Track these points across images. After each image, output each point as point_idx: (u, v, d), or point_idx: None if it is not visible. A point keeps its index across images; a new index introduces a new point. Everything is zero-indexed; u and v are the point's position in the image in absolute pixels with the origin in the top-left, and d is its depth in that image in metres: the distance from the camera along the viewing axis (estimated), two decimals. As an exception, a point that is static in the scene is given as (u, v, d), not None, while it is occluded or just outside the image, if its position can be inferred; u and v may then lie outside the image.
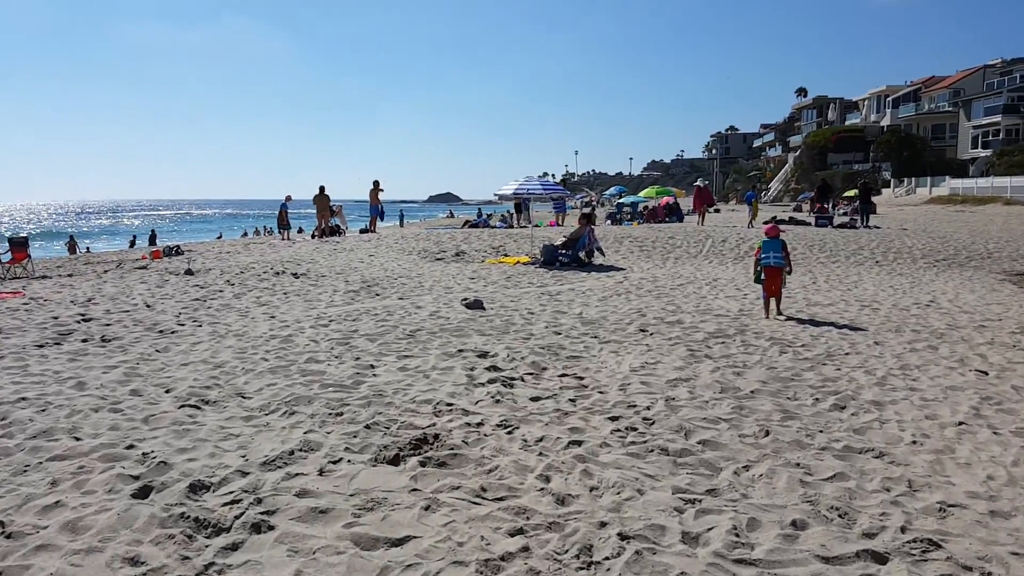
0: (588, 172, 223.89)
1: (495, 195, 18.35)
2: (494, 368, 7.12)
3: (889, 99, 78.54)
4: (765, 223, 32.17)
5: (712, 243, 21.82)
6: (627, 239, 22.22)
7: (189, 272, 14.42)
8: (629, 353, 8.20)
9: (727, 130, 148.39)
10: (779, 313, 11.20)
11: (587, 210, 21.54)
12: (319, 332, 8.75)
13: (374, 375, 6.81)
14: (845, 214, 37.87)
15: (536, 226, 29.25)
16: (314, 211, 26.35)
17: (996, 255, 20.71)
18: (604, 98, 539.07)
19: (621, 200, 41.57)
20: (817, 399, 6.58)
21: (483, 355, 7.73)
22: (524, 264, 17.56)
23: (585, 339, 8.95)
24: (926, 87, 74.79)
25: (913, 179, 62.86)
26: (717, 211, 54.04)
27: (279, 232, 28.12)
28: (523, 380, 6.78)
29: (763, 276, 11.03)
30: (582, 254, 17.98)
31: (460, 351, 7.85)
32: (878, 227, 28.49)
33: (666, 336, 9.23)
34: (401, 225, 47.33)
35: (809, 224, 28.74)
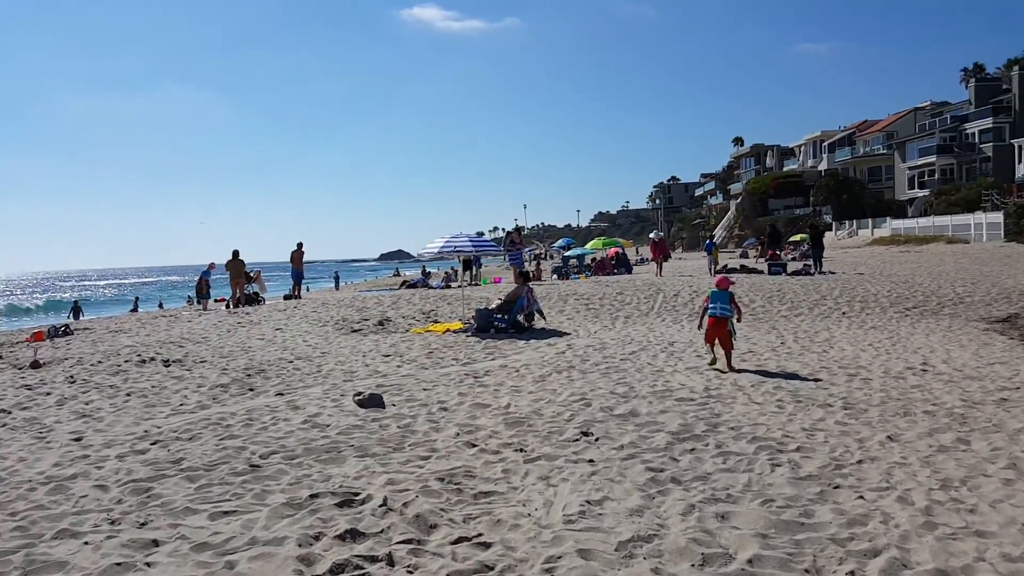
0: (537, 225, 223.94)
1: (418, 255, 15.88)
2: (351, 536, 4.48)
3: (825, 144, 78.83)
4: (717, 271, 30.51)
5: (664, 298, 19.57)
6: (572, 296, 19.84)
7: (35, 365, 11.53)
8: (565, 480, 5.65)
9: (669, 180, 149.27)
10: (729, 367, 10.57)
11: (527, 267, 19.09)
12: (123, 465, 6.00)
13: (146, 563, 4.11)
14: (794, 259, 36.26)
15: (477, 284, 26.80)
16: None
17: (967, 300, 18.81)
18: (550, 152, 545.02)
19: (567, 253, 39.46)
20: (852, 573, 4.09)
21: (346, 502, 5.09)
22: (455, 332, 15.00)
23: (506, 454, 6.37)
24: (860, 131, 75.22)
25: (855, 221, 62.34)
26: (666, 259, 52.34)
27: (198, 302, 25.16)
28: (390, 564, 4.15)
29: (706, 325, 10.81)
30: (520, 317, 15.50)
31: (313, 496, 5.18)
32: (833, 272, 26.66)
33: (616, 443, 6.71)
34: (336, 288, 44.51)
35: (762, 272, 26.81)
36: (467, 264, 27.92)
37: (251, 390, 9.33)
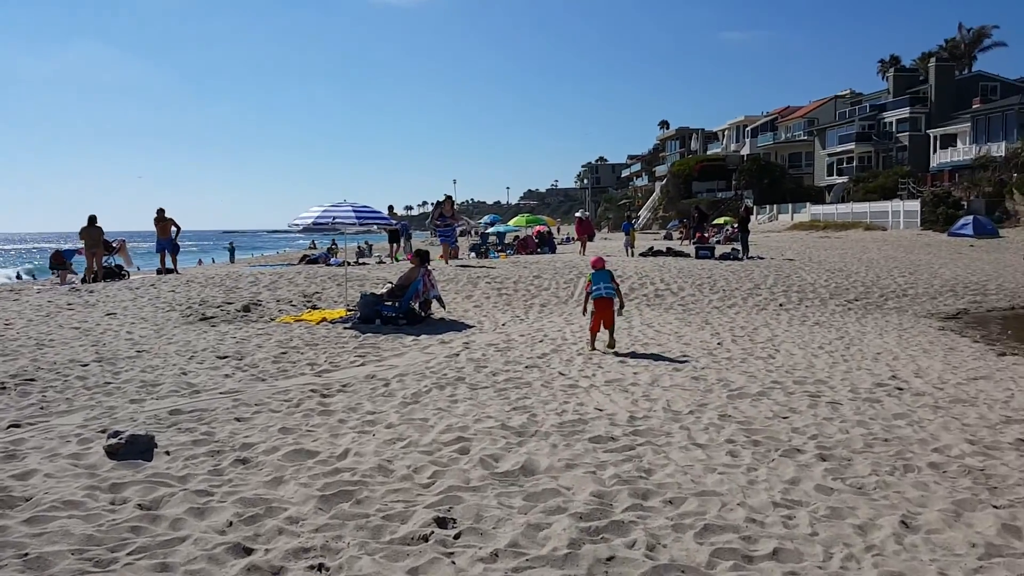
0: (467, 201, 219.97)
1: (288, 225, 12.78)
2: None
3: (748, 129, 77.84)
4: (641, 254, 28.23)
5: (584, 284, 16.99)
6: (484, 279, 17.09)
7: None
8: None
9: (597, 160, 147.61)
10: (611, 347, 9.95)
11: (407, 246, 16.20)
12: None
13: None
14: (719, 242, 34.37)
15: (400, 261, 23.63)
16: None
17: (910, 292, 16.88)
18: (481, 128, 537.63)
19: (486, 230, 36.50)
20: None
21: None
22: (332, 322, 12.06)
23: None
24: (782, 117, 74.40)
25: (775, 206, 61.39)
26: (591, 239, 50.14)
27: (54, 274, 21.36)
28: None
29: (592, 309, 10.13)
30: (415, 305, 12.67)
31: None
32: (762, 257, 24.66)
33: (488, 545, 4.00)
34: (231, 261, 40.61)
35: (689, 256, 24.60)
36: (393, 236, 24.56)
37: (-25, 421, 6.24)
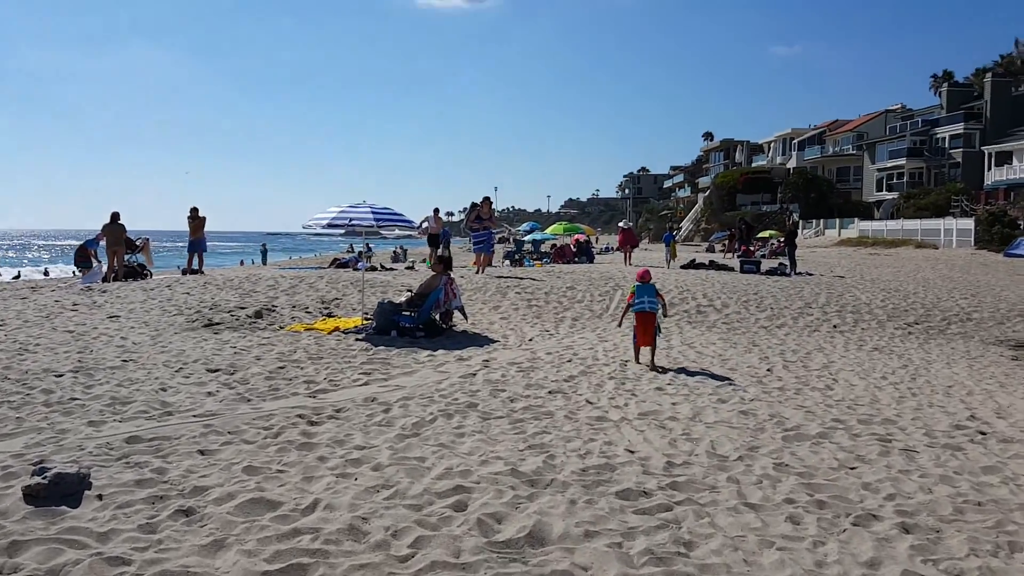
0: (508, 208, 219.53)
1: (303, 226, 11.86)
2: None
3: (794, 142, 75.71)
4: (683, 266, 26.89)
5: (622, 295, 15.82)
6: (514, 289, 16.01)
7: None
8: None
9: (639, 171, 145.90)
10: (653, 366, 9.33)
11: (444, 252, 15.18)
12: None
13: None
14: (764, 256, 32.81)
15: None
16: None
17: (975, 316, 15.34)
18: (523, 136, 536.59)
19: (522, 238, 35.38)
20: None
21: None
22: (345, 332, 11.10)
23: None
24: (830, 131, 72.16)
25: (822, 220, 59.28)
26: (634, 248, 48.84)
27: (79, 271, 20.82)
28: None
29: (635, 322, 9.65)
30: (435, 316, 11.65)
31: None
32: (811, 274, 23.18)
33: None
34: (264, 263, 40.16)
35: (733, 270, 23.22)
36: (433, 241, 23.44)
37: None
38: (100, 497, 4.44)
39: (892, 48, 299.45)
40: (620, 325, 9.96)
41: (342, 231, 11.73)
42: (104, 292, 14.53)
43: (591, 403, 7.40)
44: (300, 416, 6.45)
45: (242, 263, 44.37)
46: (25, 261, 56.61)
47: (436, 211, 23.71)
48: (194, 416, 6.37)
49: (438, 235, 23.57)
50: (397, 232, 13.04)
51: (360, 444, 5.71)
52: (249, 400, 7.00)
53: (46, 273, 33.53)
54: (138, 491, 4.60)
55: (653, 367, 9.28)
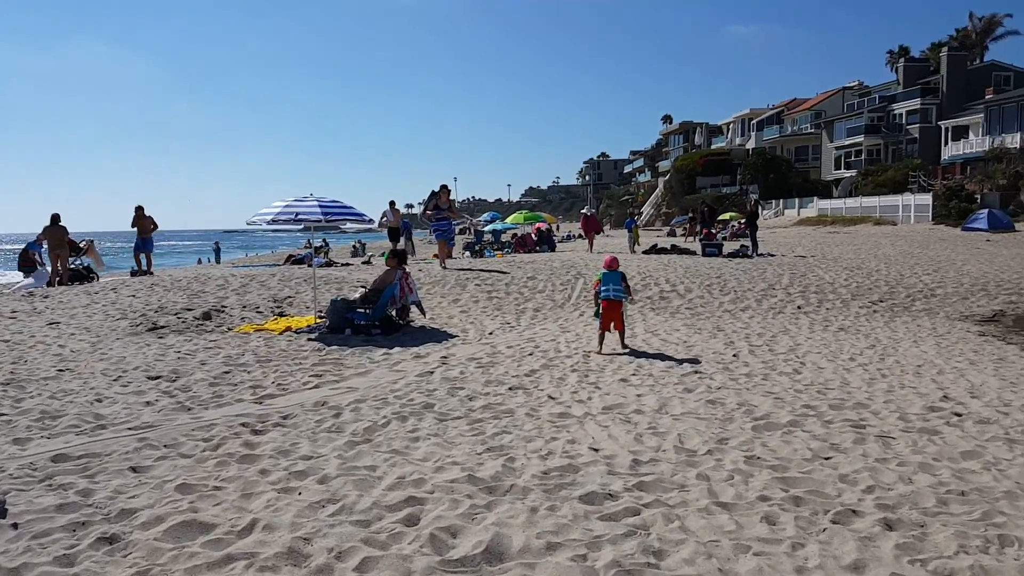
0: (468, 199, 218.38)
1: (247, 222, 11.35)
2: None
3: (753, 122, 76.26)
4: (644, 252, 26.79)
5: (584, 283, 15.59)
6: (474, 281, 15.67)
7: None
8: None
9: (599, 157, 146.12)
10: (623, 347, 9.68)
11: (406, 245, 14.75)
12: None
13: None
14: (726, 238, 32.90)
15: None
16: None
17: (939, 292, 15.40)
18: (481, 125, 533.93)
19: (481, 228, 34.96)
20: None
21: None
22: (297, 331, 10.67)
23: None
24: (788, 109, 72.76)
25: (781, 201, 59.82)
26: (598, 233, 48.76)
27: (25, 277, 19.94)
28: None
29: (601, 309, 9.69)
30: (392, 312, 11.27)
31: None
32: (772, 255, 23.23)
33: None
34: (217, 261, 39.25)
35: (696, 254, 23.17)
36: (393, 235, 22.84)
37: None
38: (15, 526, 4.04)
39: (849, 24, 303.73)
40: (597, 315, 9.86)
41: (298, 227, 11.23)
42: (46, 297, 13.86)
43: (553, 398, 7.12)
44: (243, 425, 6.06)
45: (200, 261, 43.34)
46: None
47: (392, 204, 23.21)
48: (129, 429, 5.94)
49: (397, 228, 23.05)
50: (350, 225, 12.56)
51: (306, 454, 5.35)
52: (190, 409, 6.58)
53: None
54: (59, 517, 4.20)
55: (624, 348, 9.61)
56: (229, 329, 10.96)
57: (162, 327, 10.86)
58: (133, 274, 19.30)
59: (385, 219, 22.82)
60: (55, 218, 17.34)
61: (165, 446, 5.50)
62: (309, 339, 10.17)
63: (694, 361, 9.02)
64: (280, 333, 10.56)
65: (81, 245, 19.13)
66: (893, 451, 5.70)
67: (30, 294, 14.50)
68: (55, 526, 4.08)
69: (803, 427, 6.29)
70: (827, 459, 5.51)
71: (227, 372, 8.03)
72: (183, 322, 11.34)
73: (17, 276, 19.17)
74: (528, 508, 4.36)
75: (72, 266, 18.21)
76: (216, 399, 6.94)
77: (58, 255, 17.25)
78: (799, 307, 13.87)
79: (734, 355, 9.49)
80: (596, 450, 5.55)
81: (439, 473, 4.96)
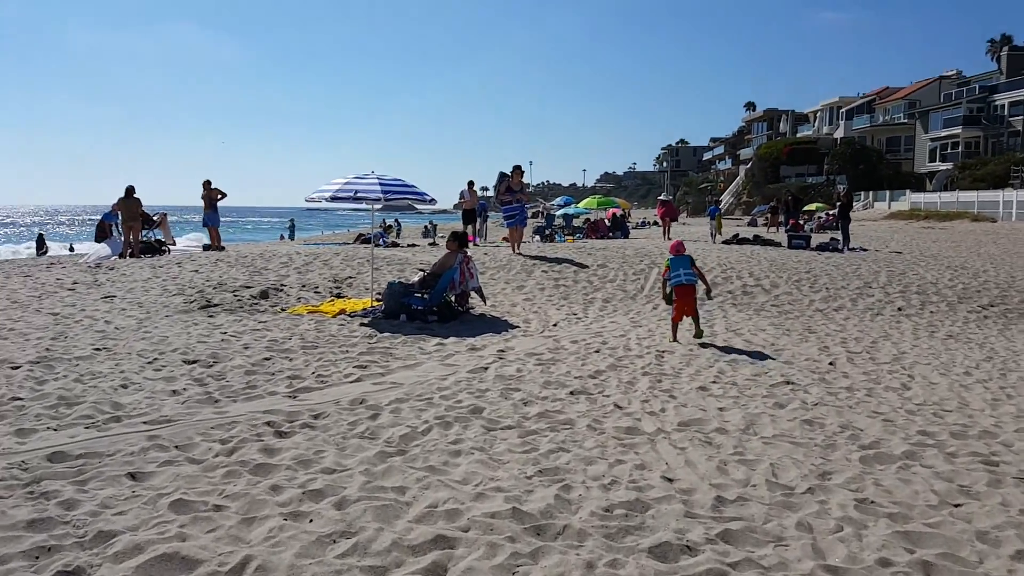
0: (543, 183, 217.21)
1: (306, 199, 10.69)
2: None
3: (842, 111, 72.50)
4: (725, 242, 25.25)
5: (658, 273, 14.46)
6: (541, 267, 14.75)
7: None
8: None
9: (678, 143, 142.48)
10: (698, 336, 9.09)
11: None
12: None
13: None
14: (812, 231, 30.93)
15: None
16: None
17: (1058, 297, 13.65)
18: (557, 109, 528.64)
19: (553, 212, 33.82)
20: None
21: None
22: (351, 315, 9.99)
23: None
24: (880, 99, 68.81)
25: (871, 193, 56.57)
26: (674, 220, 47.12)
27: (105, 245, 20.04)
28: None
29: (674, 296, 9.21)
30: (451, 297, 10.47)
31: None
32: (865, 249, 21.45)
33: None
34: (291, 238, 39.28)
35: (780, 245, 21.59)
36: (468, 217, 21.98)
37: None
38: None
39: (946, 12, 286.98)
40: (668, 301, 9.42)
41: (359, 204, 10.53)
42: (110, 270, 13.65)
43: (620, 408, 6.15)
44: (269, 424, 5.33)
45: (282, 238, 43.63)
46: (56, 236, 55.46)
47: (471, 184, 22.19)
48: (144, 423, 5.29)
49: (473, 210, 22.08)
50: (421, 206, 11.70)
51: (330, 466, 4.55)
52: (217, 401, 5.89)
53: (71, 249, 32.90)
54: (25, 537, 3.51)
55: (699, 334, 9.13)
56: (283, 310, 10.36)
57: (215, 305, 10.34)
58: (206, 248, 19.13)
59: (463, 199, 22.07)
60: (130, 190, 17.23)
61: (176, 447, 4.80)
62: (362, 324, 9.45)
63: (784, 368, 7.89)
64: (334, 316, 9.90)
65: (154, 218, 19.09)
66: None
67: (98, 265, 14.36)
68: (14, 551, 3.38)
69: (922, 460, 5.16)
70: (957, 506, 4.41)
71: (268, 359, 7.36)
72: (239, 300, 10.81)
73: (95, 248, 19.21)
74: (583, 563, 3.43)
75: (144, 239, 18.13)
76: (248, 390, 6.23)
77: (131, 227, 17.15)
78: (899, 309, 12.43)
79: (831, 363, 8.29)
80: (670, 480, 4.58)
81: (479, 502, 4.08)
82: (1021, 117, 53.85)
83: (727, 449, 5.21)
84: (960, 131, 56.54)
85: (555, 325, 10.11)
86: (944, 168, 56.69)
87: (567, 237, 26.74)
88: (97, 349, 7.60)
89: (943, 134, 58.20)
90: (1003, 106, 55.57)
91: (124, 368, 6.84)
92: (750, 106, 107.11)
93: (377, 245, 20.18)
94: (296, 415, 5.57)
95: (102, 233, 19.30)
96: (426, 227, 36.51)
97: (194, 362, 7.14)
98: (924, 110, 61.52)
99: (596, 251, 17.40)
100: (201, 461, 4.59)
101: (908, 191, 52.88)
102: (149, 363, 7.07)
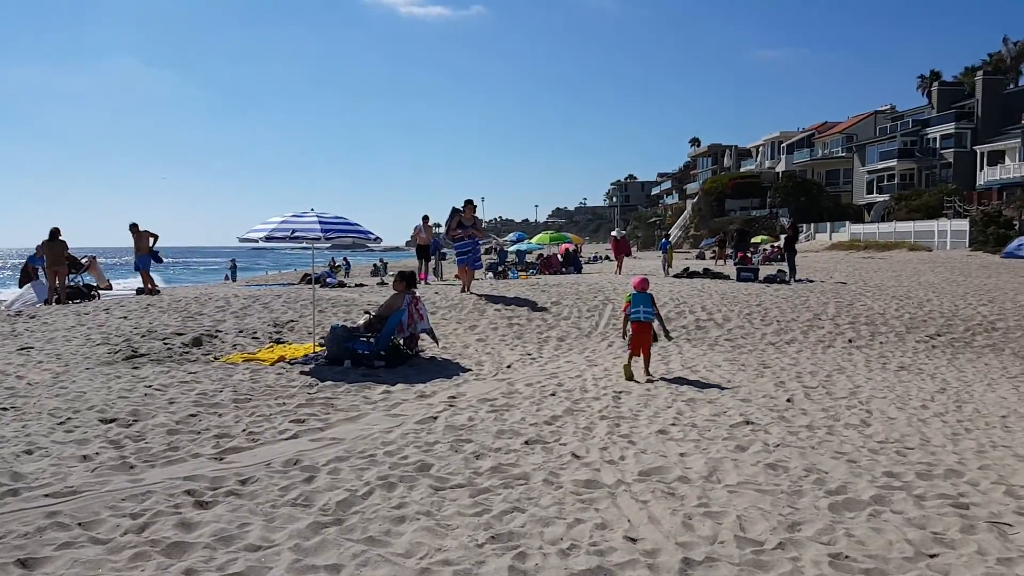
0: (495, 219, 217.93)
1: (239, 239, 10.15)
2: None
3: (783, 145, 74.51)
4: (676, 275, 25.35)
5: (612, 309, 14.24)
6: (494, 306, 14.39)
7: None
8: None
9: (626, 178, 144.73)
10: (647, 374, 9.01)
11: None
12: None
13: None
14: (759, 263, 31.32)
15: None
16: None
17: (1000, 326, 13.81)
18: (510, 145, 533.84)
19: (506, 248, 33.71)
20: None
21: None
22: (291, 362, 9.45)
23: None
24: (819, 133, 70.96)
25: (812, 225, 57.96)
26: (628, 255, 47.30)
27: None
28: None
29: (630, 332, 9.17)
30: (400, 341, 10.02)
31: None
32: (811, 280, 21.67)
33: None
34: (233, 279, 38.17)
35: (729, 278, 21.68)
36: (422, 252, 21.04)
37: None
38: None
39: (878, 49, 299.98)
40: (625, 336, 9.44)
41: (297, 244, 10.05)
42: (31, 318, 12.82)
43: (578, 457, 5.78)
44: (188, 492, 4.80)
45: (226, 279, 42.43)
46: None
47: (425, 219, 21.53)
48: (45, 496, 4.72)
49: (427, 246, 21.47)
50: (352, 241, 11.24)
51: (254, 542, 4.06)
52: (132, 467, 5.33)
53: None
54: None
55: (648, 376, 9.01)
56: (216, 359, 9.76)
57: (142, 355, 9.69)
58: (139, 292, 18.28)
59: (417, 234, 21.49)
60: (54, 232, 16.34)
61: (79, 524, 4.26)
62: (302, 372, 8.93)
63: (743, 407, 7.63)
64: (272, 364, 9.35)
65: (82, 261, 18.16)
66: (1015, 545, 4.31)
67: (18, 313, 13.49)
68: None
69: (891, 505, 4.92)
70: (933, 556, 4.15)
71: (194, 415, 6.80)
72: (168, 349, 10.17)
73: (18, 293, 18.17)
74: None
75: (71, 284, 17.21)
76: (169, 453, 5.68)
77: (56, 272, 16.24)
78: (850, 340, 12.40)
79: (788, 399, 8.08)
80: (634, 540, 4.22)
81: (423, 578, 3.64)
82: (952, 150, 56.00)
83: (691, 500, 4.87)
84: (895, 163, 58.49)
85: (509, 367, 9.74)
86: (881, 199, 58.44)
87: (520, 273, 26.52)
88: (3, 409, 6.93)
89: (879, 166, 60.13)
90: (935, 139, 57.73)
91: (31, 431, 6.21)
92: (695, 141, 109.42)
93: (323, 285, 19.59)
94: (221, 480, 5.06)
95: (26, 277, 18.30)
96: (375, 265, 35.94)
97: (112, 421, 6.55)
98: (861, 144, 63.58)
99: (550, 288, 17.14)
100: (106, 541, 4.06)
101: (848, 222, 54.31)
102: (60, 423, 6.45)
